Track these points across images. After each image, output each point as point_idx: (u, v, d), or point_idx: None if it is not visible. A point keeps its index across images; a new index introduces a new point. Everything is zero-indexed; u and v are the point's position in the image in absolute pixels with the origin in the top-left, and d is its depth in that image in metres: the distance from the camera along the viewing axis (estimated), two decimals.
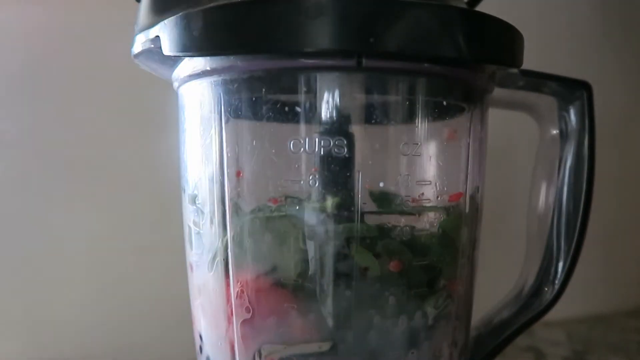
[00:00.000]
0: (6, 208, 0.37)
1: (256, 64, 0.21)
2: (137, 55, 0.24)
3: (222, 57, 0.21)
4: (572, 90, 0.27)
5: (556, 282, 0.27)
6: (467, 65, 0.22)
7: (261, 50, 0.20)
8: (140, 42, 0.23)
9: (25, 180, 0.37)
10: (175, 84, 0.25)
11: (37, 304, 0.38)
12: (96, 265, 0.39)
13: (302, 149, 0.21)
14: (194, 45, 0.20)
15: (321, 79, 0.21)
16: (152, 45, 0.22)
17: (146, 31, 0.22)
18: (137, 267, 0.39)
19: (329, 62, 0.20)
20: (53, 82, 0.37)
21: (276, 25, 0.19)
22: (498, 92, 0.25)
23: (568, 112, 0.27)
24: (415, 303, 0.22)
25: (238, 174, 0.22)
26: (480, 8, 0.24)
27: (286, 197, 0.21)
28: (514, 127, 0.38)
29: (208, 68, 0.22)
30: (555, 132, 0.28)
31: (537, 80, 0.27)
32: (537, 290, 0.28)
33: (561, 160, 0.27)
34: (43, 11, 0.37)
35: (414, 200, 0.22)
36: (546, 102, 0.28)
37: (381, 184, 0.21)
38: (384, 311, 0.22)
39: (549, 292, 0.27)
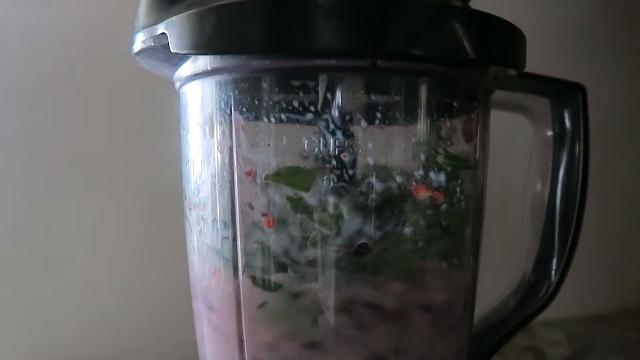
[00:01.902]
0: (6, 208, 0.37)
1: (269, 62, 0.20)
2: (138, 53, 0.23)
3: (227, 56, 0.21)
4: (567, 93, 0.27)
5: (552, 280, 0.27)
6: (475, 66, 0.22)
7: (278, 50, 0.19)
8: (141, 40, 0.22)
9: (25, 180, 0.37)
10: (178, 83, 0.24)
11: (37, 304, 0.38)
12: (96, 266, 0.39)
13: (316, 149, 0.21)
14: (206, 43, 0.20)
15: (333, 79, 0.20)
16: (156, 43, 0.22)
17: (150, 28, 0.22)
18: (138, 267, 0.39)
19: (344, 62, 0.20)
20: (53, 82, 0.37)
21: (293, 24, 0.19)
22: (495, 94, 0.25)
23: (562, 114, 0.27)
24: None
25: (249, 174, 0.21)
26: (477, 7, 0.24)
27: (298, 198, 0.21)
28: (513, 127, 0.38)
29: (214, 67, 0.21)
30: (549, 133, 0.28)
31: (533, 82, 0.27)
32: (533, 287, 0.28)
33: (555, 161, 0.28)
34: (43, 10, 0.37)
35: (423, 199, 0.22)
36: (541, 103, 0.28)
37: (395, 183, 0.21)
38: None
39: (545, 289, 0.27)
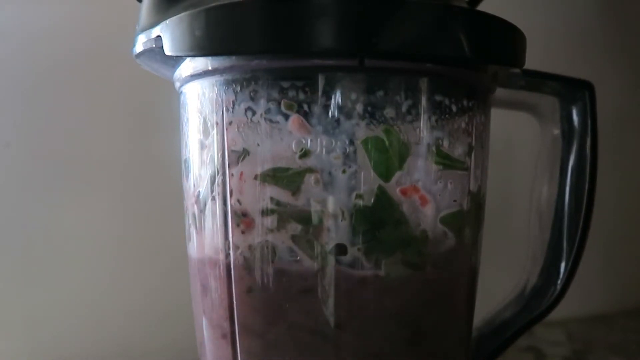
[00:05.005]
0: (6, 208, 0.37)
1: (258, 64, 0.21)
2: (138, 55, 0.24)
3: (224, 57, 0.21)
4: (575, 90, 0.27)
5: (558, 282, 0.27)
6: (470, 65, 0.22)
7: (263, 51, 0.20)
8: (141, 42, 0.23)
9: (26, 180, 0.37)
10: (177, 84, 0.25)
11: (37, 304, 0.38)
12: (96, 266, 0.38)
13: (304, 149, 0.21)
14: (196, 45, 0.20)
15: (324, 79, 0.21)
16: (154, 45, 0.22)
17: (148, 31, 0.22)
18: (138, 267, 0.39)
19: (331, 62, 0.20)
20: (53, 82, 0.37)
21: (278, 26, 0.19)
22: (499, 92, 0.25)
23: (570, 112, 0.27)
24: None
25: (241, 174, 0.22)
26: (480, 8, 0.24)
27: (292, 197, 0.21)
28: (513, 127, 0.38)
29: (210, 68, 0.22)
30: (557, 132, 0.28)
31: (539, 80, 0.27)
32: (539, 290, 0.28)
33: (563, 160, 0.27)
34: (44, 11, 0.37)
35: (420, 199, 0.22)
36: (548, 102, 0.28)
37: (385, 184, 0.21)
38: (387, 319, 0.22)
39: (551, 293, 0.27)
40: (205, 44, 0.20)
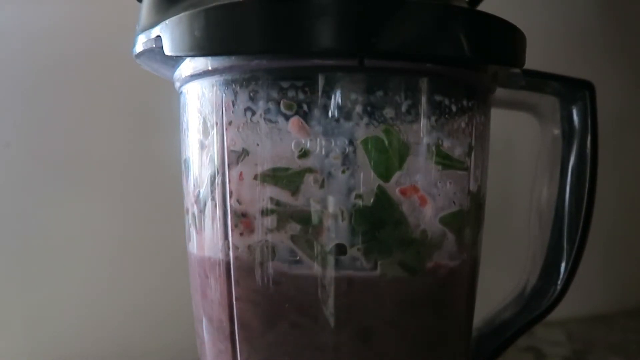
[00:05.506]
0: (6, 208, 0.37)
1: (258, 64, 0.21)
2: (138, 55, 0.24)
3: (224, 57, 0.21)
4: (575, 90, 0.27)
5: (559, 282, 0.27)
6: (470, 65, 0.22)
7: (263, 51, 0.20)
8: (141, 42, 0.23)
9: (26, 180, 0.37)
10: (177, 84, 0.25)
11: (37, 304, 0.38)
12: (96, 266, 0.38)
13: (304, 150, 0.21)
14: (195, 45, 0.20)
15: (324, 79, 0.21)
16: (154, 45, 0.22)
17: (148, 31, 0.22)
18: (138, 267, 0.39)
19: (331, 62, 0.20)
20: (53, 82, 0.37)
21: (278, 26, 0.19)
22: (500, 92, 0.25)
23: (570, 112, 0.27)
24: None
25: (240, 173, 0.22)
26: (480, 8, 0.24)
27: (291, 197, 0.21)
28: (513, 127, 0.38)
29: (209, 68, 0.22)
30: (557, 132, 0.28)
31: (539, 80, 0.26)
32: (539, 290, 0.28)
33: (563, 160, 0.27)
34: (44, 11, 0.37)
35: (420, 199, 0.22)
36: (548, 102, 0.28)
37: (384, 184, 0.21)
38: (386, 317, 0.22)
39: (551, 293, 0.27)
40: (205, 44, 0.20)
